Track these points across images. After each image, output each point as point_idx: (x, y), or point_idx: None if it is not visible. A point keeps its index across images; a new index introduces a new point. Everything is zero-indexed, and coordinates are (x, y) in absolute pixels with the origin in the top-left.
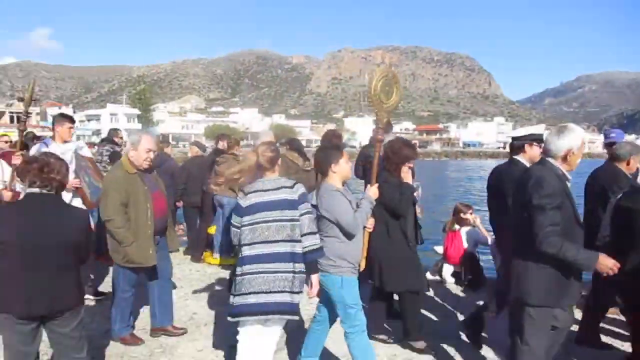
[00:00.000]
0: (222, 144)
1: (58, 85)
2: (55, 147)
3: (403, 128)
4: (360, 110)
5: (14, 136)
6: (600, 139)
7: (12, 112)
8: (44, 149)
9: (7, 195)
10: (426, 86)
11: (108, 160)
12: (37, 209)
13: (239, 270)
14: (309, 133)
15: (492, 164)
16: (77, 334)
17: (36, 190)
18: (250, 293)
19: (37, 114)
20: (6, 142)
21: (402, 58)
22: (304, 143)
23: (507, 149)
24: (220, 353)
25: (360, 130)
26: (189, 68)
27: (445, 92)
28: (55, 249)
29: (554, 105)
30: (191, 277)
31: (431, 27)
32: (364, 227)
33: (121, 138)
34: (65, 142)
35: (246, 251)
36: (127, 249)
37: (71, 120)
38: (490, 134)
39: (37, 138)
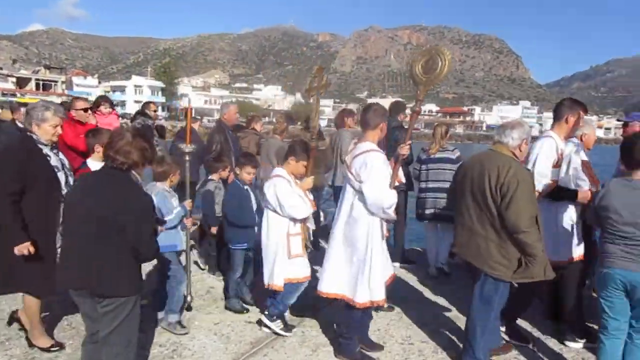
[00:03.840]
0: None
1: (84, 54)
2: None
3: (427, 110)
4: (384, 91)
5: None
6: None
7: (37, 79)
8: None
9: None
10: (452, 68)
11: None
12: (93, 182)
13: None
14: (331, 112)
15: None
16: (110, 321)
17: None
18: None
19: (63, 82)
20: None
21: (429, 38)
22: (325, 122)
23: None
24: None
25: None
26: (214, 43)
27: (472, 74)
28: (94, 222)
29: (582, 89)
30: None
31: (460, 6)
32: None
33: (155, 111)
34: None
35: None
36: (537, 266)
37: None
38: (515, 117)
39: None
